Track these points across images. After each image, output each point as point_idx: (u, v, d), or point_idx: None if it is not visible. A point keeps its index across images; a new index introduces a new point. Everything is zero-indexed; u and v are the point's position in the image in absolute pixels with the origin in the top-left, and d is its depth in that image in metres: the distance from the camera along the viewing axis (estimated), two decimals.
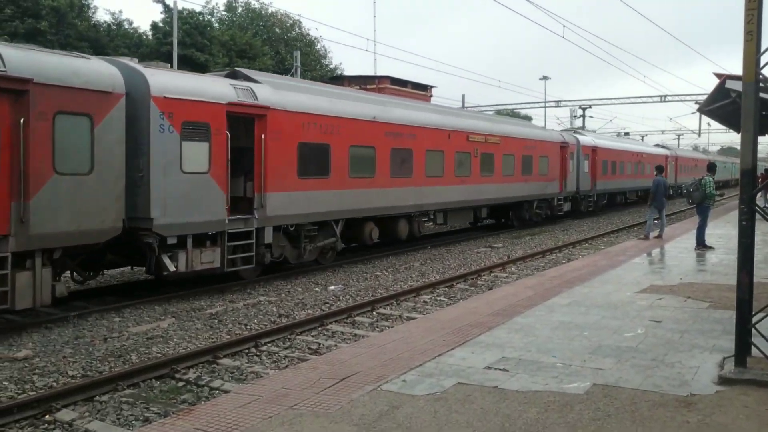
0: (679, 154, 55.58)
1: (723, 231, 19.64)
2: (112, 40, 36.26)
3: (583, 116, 56.51)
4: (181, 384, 8.12)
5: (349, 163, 16.64)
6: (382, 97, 19.74)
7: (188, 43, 36.28)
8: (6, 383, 7.95)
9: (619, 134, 64.58)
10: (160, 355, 9.21)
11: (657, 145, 54.69)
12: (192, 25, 37.83)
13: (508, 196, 25.60)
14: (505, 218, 28.05)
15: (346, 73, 47.40)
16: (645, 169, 41.81)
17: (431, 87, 25.66)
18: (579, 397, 5.78)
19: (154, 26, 38.75)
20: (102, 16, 39.61)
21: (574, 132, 37.20)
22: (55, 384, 7.99)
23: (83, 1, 35.68)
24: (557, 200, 30.49)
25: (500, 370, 6.58)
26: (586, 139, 34.70)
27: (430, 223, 23.33)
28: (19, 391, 7.72)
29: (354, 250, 19.36)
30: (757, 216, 6.43)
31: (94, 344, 9.75)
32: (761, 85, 6.38)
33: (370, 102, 18.16)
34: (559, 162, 30.17)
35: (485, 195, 23.82)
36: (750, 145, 6.15)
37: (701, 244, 16.24)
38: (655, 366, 6.63)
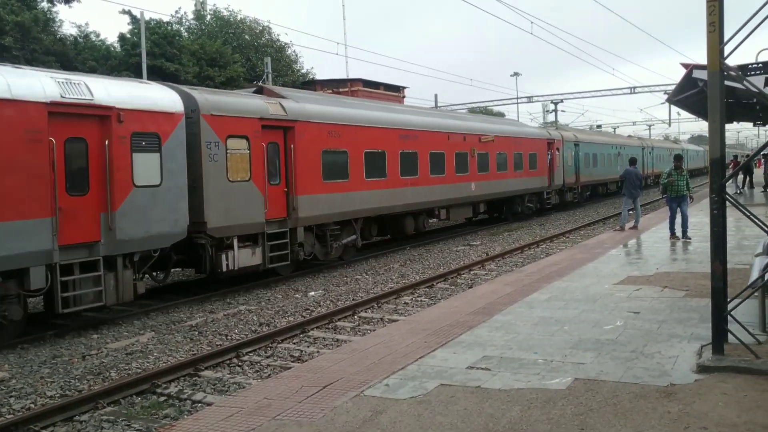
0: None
1: (696, 219, 19.86)
2: (80, 53, 35.80)
3: (555, 111, 57.02)
4: (162, 399, 8.04)
5: None
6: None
7: (157, 54, 35.88)
8: None
9: (591, 127, 65.07)
10: (140, 370, 9.10)
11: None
12: (160, 35, 37.42)
13: None
14: None
15: (318, 77, 47.34)
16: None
17: (404, 88, 25.83)
18: (561, 392, 5.80)
19: (122, 38, 38.27)
20: (68, 29, 38.73)
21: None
22: (33, 405, 7.86)
23: (48, 16, 35.15)
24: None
25: (482, 369, 6.60)
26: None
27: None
28: None
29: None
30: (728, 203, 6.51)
31: (73, 363, 9.61)
32: (726, 74, 6.47)
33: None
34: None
35: None
36: (717, 135, 6.23)
37: (673, 234, 16.38)
38: (635, 357, 6.69)
